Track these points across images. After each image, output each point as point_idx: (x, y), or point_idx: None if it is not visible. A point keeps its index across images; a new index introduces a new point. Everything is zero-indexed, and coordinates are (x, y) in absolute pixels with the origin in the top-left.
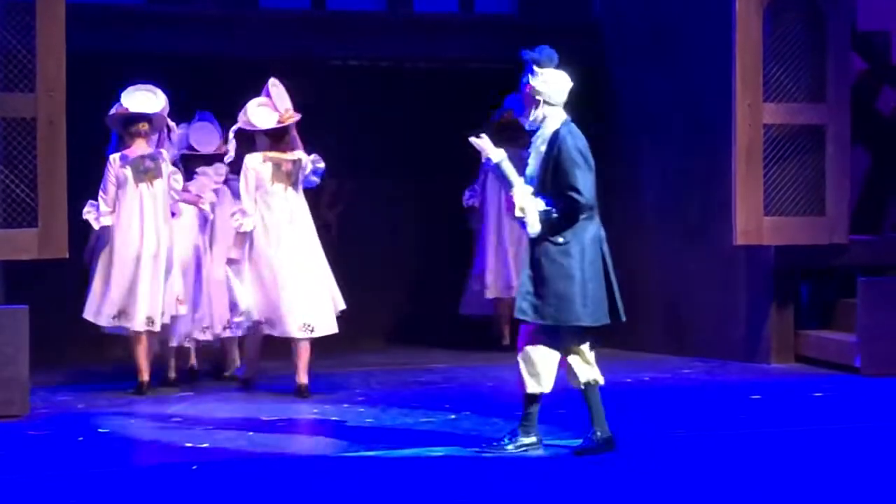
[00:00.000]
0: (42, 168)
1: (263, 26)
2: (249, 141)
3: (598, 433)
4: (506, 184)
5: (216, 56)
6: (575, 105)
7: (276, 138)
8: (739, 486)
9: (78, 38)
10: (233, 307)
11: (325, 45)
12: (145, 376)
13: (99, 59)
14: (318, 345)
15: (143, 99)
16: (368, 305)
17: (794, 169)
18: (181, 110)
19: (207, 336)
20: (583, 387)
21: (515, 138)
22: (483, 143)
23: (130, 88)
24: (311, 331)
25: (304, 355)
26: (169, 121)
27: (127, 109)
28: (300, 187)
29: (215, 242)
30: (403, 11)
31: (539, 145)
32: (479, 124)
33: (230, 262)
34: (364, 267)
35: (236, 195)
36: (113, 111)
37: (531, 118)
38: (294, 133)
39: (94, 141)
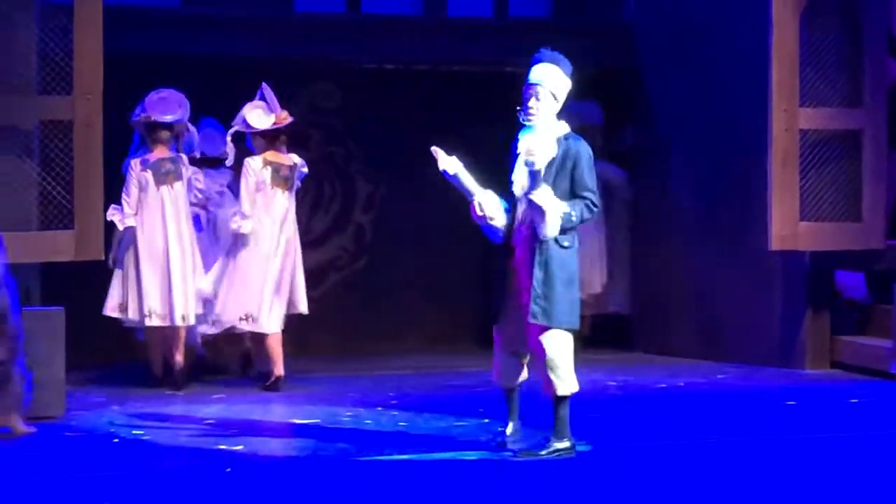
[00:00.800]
0: (78, 170)
1: (298, 29)
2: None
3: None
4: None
5: (251, 59)
6: (608, 108)
7: (271, 140)
8: (774, 492)
9: (114, 41)
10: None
11: (360, 49)
12: (177, 371)
13: (135, 62)
14: (350, 349)
15: (166, 106)
16: (402, 309)
17: (830, 174)
18: (215, 114)
19: (215, 330)
20: (517, 385)
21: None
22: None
23: (153, 94)
24: (283, 325)
25: (280, 349)
26: (189, 125)
27: (150, 117)
28: (293, 191)
29: (218, 242)
30: (438, 15)
31: (535, 149)
32: (514, 127)
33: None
34: (397, 271)
35: (237, 196)
36: (137, 117)
37: (543, 118)
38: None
39: (130, 143)
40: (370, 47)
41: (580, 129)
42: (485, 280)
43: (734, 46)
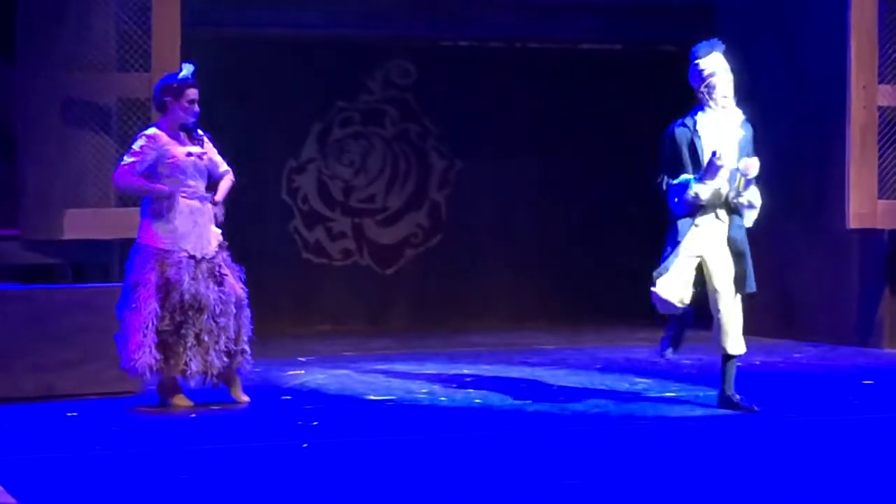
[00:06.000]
0: None
1: (374, 7)
2: None
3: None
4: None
5: (326, 36)
6: (688, 86)
7: None
8: (850, 471)
9: (191, 19)
10: None
11: (435, 26)
12: None
13: (210, 41)
14: (427, 326)
15: None
16: (478, 287)
17: None
18: (292, 92)
19: None
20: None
21: None
22: None
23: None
24: None
25: None
26: None
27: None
28: None
29: None
30: None
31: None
32: (590, 105)
33: None
34: (472, 248)
35: None
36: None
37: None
38: None
39: None
40: (445, 24)
41: None
42: (562, 257)
43: (815, 22)
